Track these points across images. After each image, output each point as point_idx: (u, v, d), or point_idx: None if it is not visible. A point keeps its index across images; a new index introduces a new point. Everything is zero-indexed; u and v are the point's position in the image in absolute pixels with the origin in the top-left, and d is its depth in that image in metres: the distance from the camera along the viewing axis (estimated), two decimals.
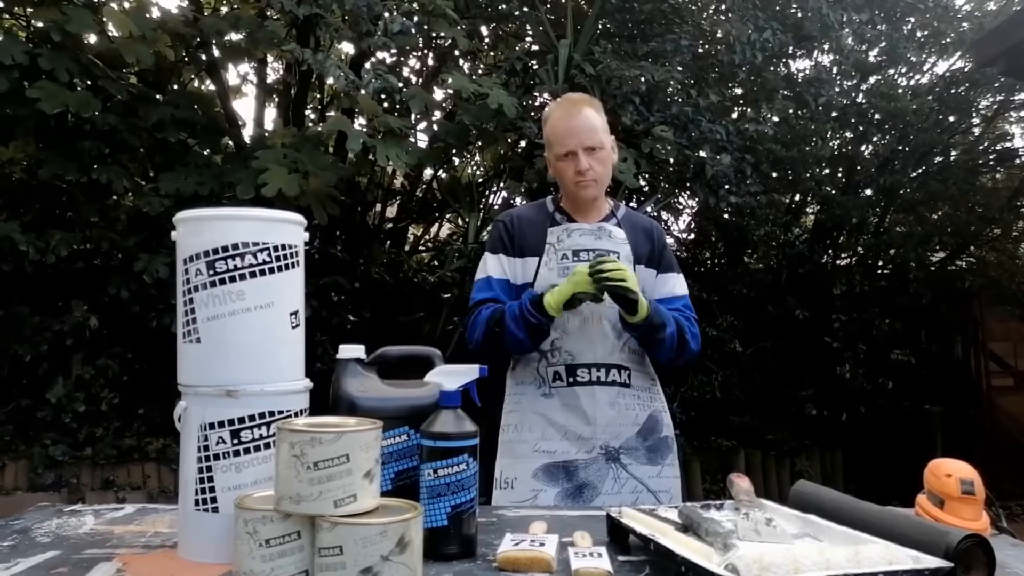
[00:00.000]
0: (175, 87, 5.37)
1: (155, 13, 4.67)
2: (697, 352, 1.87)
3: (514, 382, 1.85)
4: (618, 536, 1.16)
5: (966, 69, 6.22)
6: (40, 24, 4.50)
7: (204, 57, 5.25)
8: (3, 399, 4.81)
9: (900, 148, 6.49)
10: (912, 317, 6.44)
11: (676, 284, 1.92)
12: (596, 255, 1.80)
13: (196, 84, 5.81)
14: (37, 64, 4.10)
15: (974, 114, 6.80)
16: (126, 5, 4.67)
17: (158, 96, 4.90)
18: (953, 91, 6.31)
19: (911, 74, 6.63)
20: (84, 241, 4.79)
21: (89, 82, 4.58)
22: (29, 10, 4.81)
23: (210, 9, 5.46)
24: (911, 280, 6.51)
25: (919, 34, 6.17)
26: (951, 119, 6.48)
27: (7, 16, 5.08)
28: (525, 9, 5.42)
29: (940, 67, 6.57)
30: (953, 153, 6.84)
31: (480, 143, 5.43)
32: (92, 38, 4.64)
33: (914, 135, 6.19)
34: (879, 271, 6.95)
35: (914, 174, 6.64)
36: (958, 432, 6.24)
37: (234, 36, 4.95)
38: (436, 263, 6.40)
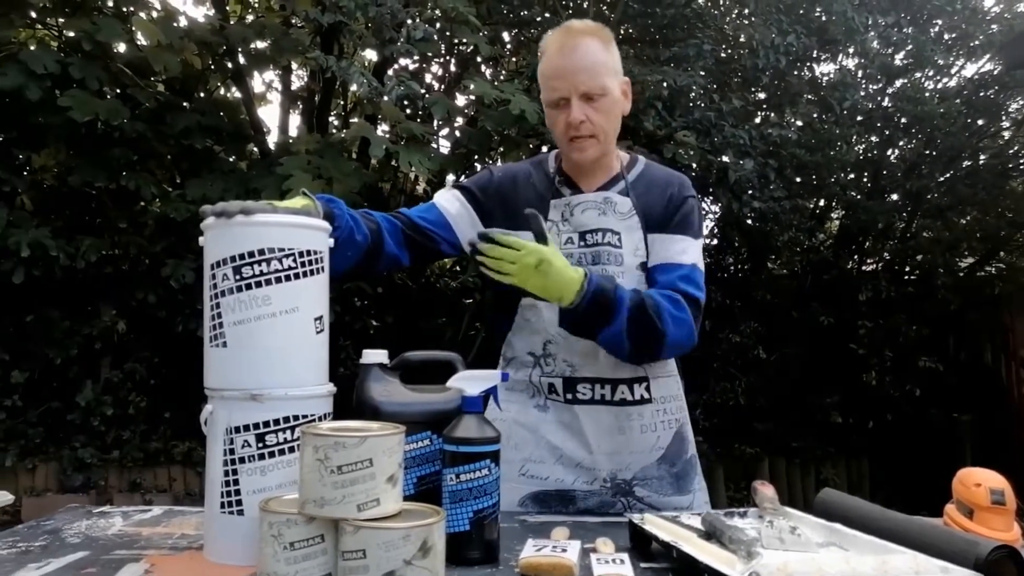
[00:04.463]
0: (202, 95, 5.44)
1: (182, 22, 4.74)
2: (684, 342, 1.39)
3: (503, 385, 1.45)
4: (640, 543, 1.15)
5: (995, 72, 6.13)
6: (71, 34, 4.58)
7: (230, 65, 5.31)
8: (34, 402, 4.89)
9: (927, 152, 6.40)
10: (940, 323, 6.33)
11: (684, 249, 1.46)
12: (598, 238, 1.44)
13: (222, 91, 5.88)
14: (68, 73, 4.17)
15: (1003, 117, 6.68)
16: (154, 15, 4.75)
17: (185, 103, 4.96)
18: (982, 94, 6.21)
19: (938, 77, 6.54)
20: (113, 247, 4.86)
21: (118, 90, 4.66)
22: (61, 20, 4.91)
23: (236, 18, 5.53)
24: (939, 286, 6.41)
25: (946, 37, 6.09)
26: (980, 122, 6.38)
27: (40, 26, 5.18)
28: (547, 15, 5.42)
29: (968, 70, 6.49)
30: (982, 157, 6.72)
31: (502, 149, 5.44)
32: (121, 47, 4.72)
33: (941, 139, 6.10)
34: (906, 277, 6.85)
35: (941, 179, 6.54)
36: (987, 441, 6.12)
37: (259, 44, 5.01)
38: (458, 268, 6.42)
